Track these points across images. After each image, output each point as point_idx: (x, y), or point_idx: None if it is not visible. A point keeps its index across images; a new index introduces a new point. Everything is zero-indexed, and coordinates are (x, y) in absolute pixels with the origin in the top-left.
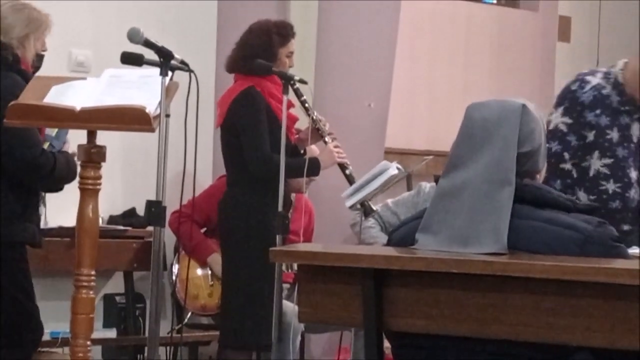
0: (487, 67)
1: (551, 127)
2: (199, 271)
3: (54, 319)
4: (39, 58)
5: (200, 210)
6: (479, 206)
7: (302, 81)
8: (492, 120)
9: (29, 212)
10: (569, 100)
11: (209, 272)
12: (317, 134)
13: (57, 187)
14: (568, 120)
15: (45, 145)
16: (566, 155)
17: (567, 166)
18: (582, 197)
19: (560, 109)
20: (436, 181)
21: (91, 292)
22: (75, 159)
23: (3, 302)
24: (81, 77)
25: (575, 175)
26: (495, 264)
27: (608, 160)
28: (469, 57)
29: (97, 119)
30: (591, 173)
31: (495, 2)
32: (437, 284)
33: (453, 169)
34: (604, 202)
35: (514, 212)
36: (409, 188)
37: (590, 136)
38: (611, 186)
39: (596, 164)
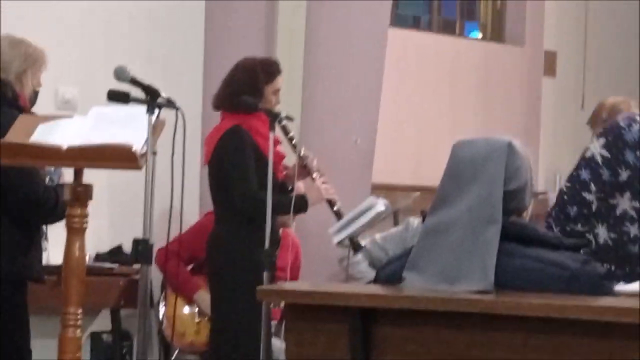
0: (473, 101)
1: (588, 154)
2: (186, 308)
3: (41, 358)
4: (35, 95)
5: (187, 247)
6: (465, 244)
7: (288, 117)
8: (478, 158)
9: (33, 248)
10: (613, 135)
11: (196, 309)
12: (304, 170)
13: (57, 221)
14: (606, 154)
15: (46, 180)
16: (593, 186)
17: (590, 197)
18: (602, 232)
19: (602, 141)
20: (423, 217)
21: (78, 331)
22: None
23: (2, 341)
24: (68, 114)
25: (595, 209)
26: (482, 302)
27: (638, 204)
28: (454, 92)
29: (84, 157)
30: (618, 212)
31: (480, 37)
32: (424, 322)
33: (440, 206)
34: (623, 243)
35: (500, 250)
36: (396, 223)
37: (624, 175)
38: (634, 230)
39: (625, 204)
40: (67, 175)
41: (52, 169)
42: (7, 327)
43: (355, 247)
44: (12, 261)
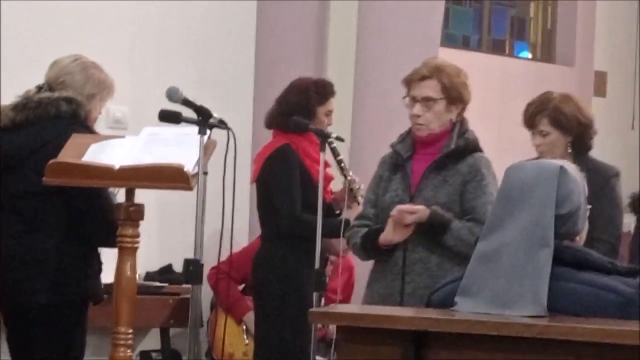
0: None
1: None
2: (235, 329)
3: None
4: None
5: (239, 267)
6: (517, 268)
7: (339, 138)
8: (529, 181)
9: (98, 268)
10: None
11: (245, 330)
12: (350, 194)
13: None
14: None
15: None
16: None
17: None
18: None
19: None
20: None
21: (129, 351)
22: None
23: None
24: (118, 133)
25: None
26: (535, 326)
27: None
28: (504, 112)
29: (136, 177)
30: None
31: (530, 56)
32: (477, 347)
33: (491, 231)
34: None
35: (553, 274)
36: None
37: None
38: None
39: None
40: (119, 195)
41: (115, 190)
42: (67, 346)
43: None
44: (81, 282)
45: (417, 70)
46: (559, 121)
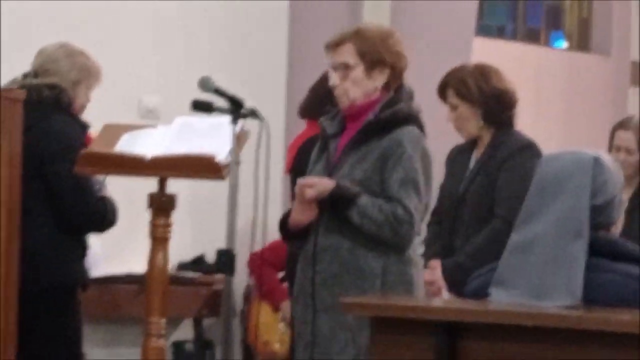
0: (558, 112)
1: None
2: (271, 317)
3: None
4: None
5: (279, 255)
6: (552, 259)
7: None
8: (564, 172)
9: (83, 254)
10: None
11: (281, 318)
12: None
13: (102, 232)
14: None
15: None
16: None
17: None
18: None
19: None
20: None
21: (161, 340)
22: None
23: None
24: (150, 123)
25: None
26: (570, 317)
27: None
28: (539, 103)
29: (168, 167)
30: None
31: (566, 46)
32: (511, 337)
33: (525, 221)
34: None
35: (588, 265)
36: None
37: None
38: None
39: None
40: (150, 185)
41: (102, 178)
42: (59, 332)
43: None
44: (61, 266)
45: (335, 36)
46: (461, 92)
